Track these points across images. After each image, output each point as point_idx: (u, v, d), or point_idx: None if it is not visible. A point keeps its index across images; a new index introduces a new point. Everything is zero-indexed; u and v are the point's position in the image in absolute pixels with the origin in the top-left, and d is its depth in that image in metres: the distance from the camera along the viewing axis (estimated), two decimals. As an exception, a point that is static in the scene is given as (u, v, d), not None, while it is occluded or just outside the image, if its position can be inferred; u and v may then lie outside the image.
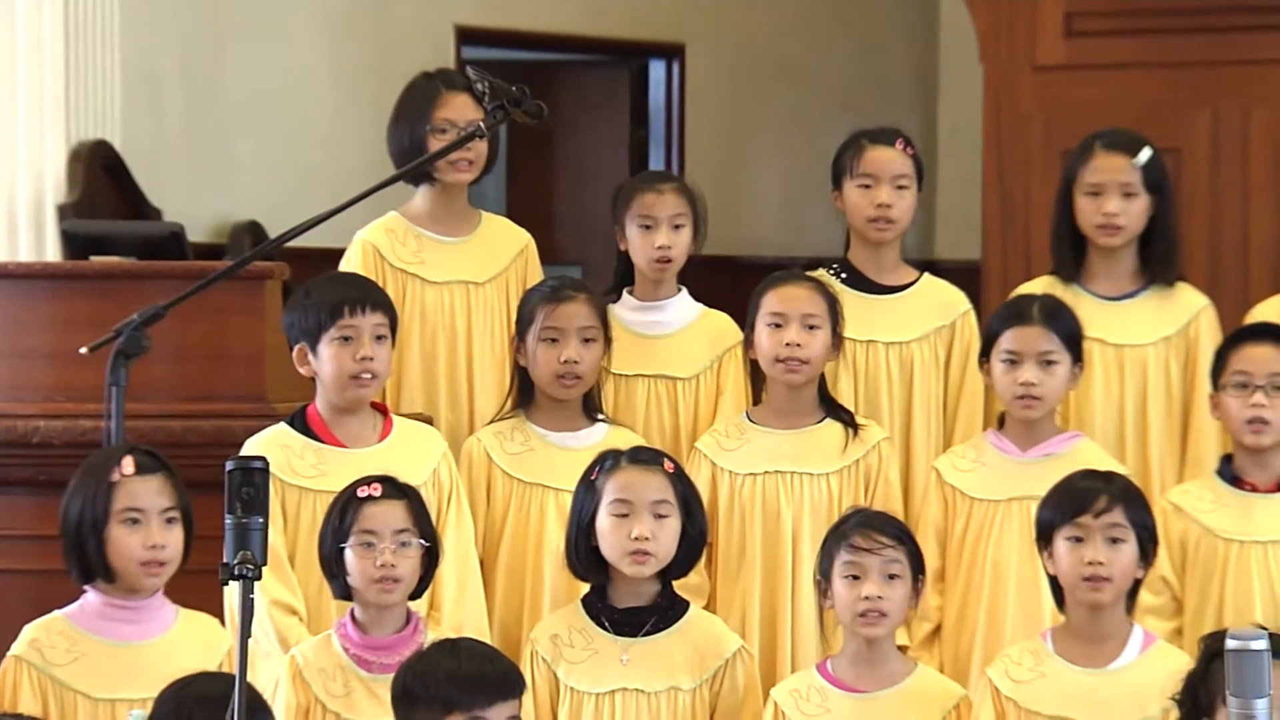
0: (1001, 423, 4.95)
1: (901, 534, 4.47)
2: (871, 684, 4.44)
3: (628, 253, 5.18)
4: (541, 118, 4.89)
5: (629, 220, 5.14)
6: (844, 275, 5.16)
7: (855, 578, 4.41)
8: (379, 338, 4.73)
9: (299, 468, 4.68)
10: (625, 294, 5.21)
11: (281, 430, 4.77)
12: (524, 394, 5.03)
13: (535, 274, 5.28)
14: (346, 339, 4.70)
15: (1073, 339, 4.87)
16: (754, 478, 4.92)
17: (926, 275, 5.24)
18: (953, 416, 5.12)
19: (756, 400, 5.05)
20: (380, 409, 4.84)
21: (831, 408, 4.99)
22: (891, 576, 4.40)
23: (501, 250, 5.27)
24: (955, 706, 4.44)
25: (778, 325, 4.91)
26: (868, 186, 5.12)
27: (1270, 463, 4.80)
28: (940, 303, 5.18)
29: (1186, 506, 4.82)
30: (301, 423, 4.77)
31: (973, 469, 4.89)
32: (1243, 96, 6.07)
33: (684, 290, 5.23)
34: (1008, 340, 4.85)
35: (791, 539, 4.88)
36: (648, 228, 5.12)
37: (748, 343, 5.01)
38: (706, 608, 4.79)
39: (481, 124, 4.94)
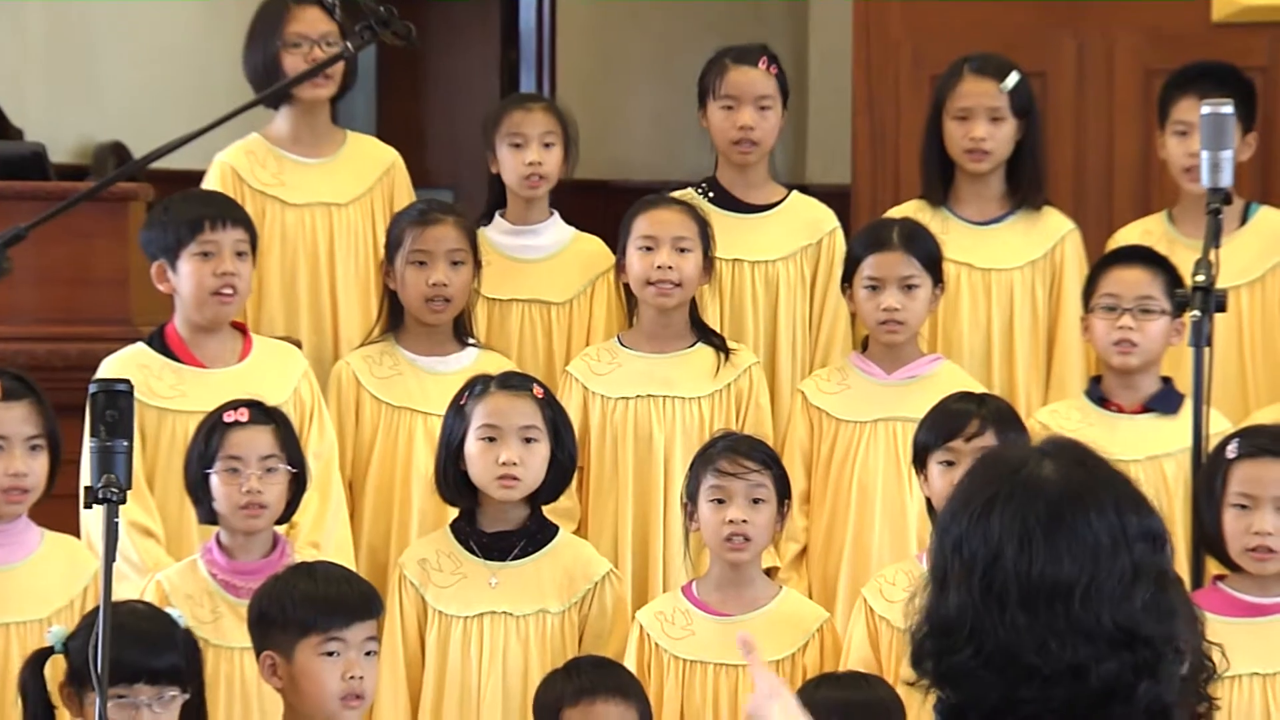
0: (865, 346, 4.99)
1: (768, 458, 4.50)
2: (736, 607, 4.47)
3: (500, 176, 5.16)
4: (410, 39, 4.84)
5: (499, 140, 5.12)
6: (711, 194, 5.17)
7: (720, 501, 4.43)
8: (239, 254, 4.70)
9: (158, 388, 4.64)
10: (497, 217, 5.19)
11: (139, 350, 4.73)
12: (394, 317, 5.01)
13: (404, 192, 5.25)
14: (207, 254, 4.67)
15: (932, 261, 4.91)
16: (626, 401, 4.93)
17: (795, 193, 5.25)
18: (817, 332, 5.15)
19: (630, 325, 5.06)
20: (240, 328, 4.81)
21: (703, 332, 5.00)
22: (756, 501, 4.43)
23: (365, 170, 5.23)
24: (819, 629, 4.49)
25: (649, 248, 4.92)
26: (731, 108, 5.12)
27: (1137, 385, 4.87)
28: (807, 221, 5.20)
29: (1054, 426, 4.87)
30: (160, 342, 4.73)
31: (838, 391, 4.93)
32: (1108, 22, 6.10)
33: (556, 214, 5.22)
34: (869, 266, 4.88)
35: (663, 462, 4.90)
36: (518, 145, 5.11)
37: (619, 267, 5.01)
38: (578, 532, 4.80)
39: (348, 45, 4.90)
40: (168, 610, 3.97)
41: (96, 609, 3.74)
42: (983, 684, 2.35)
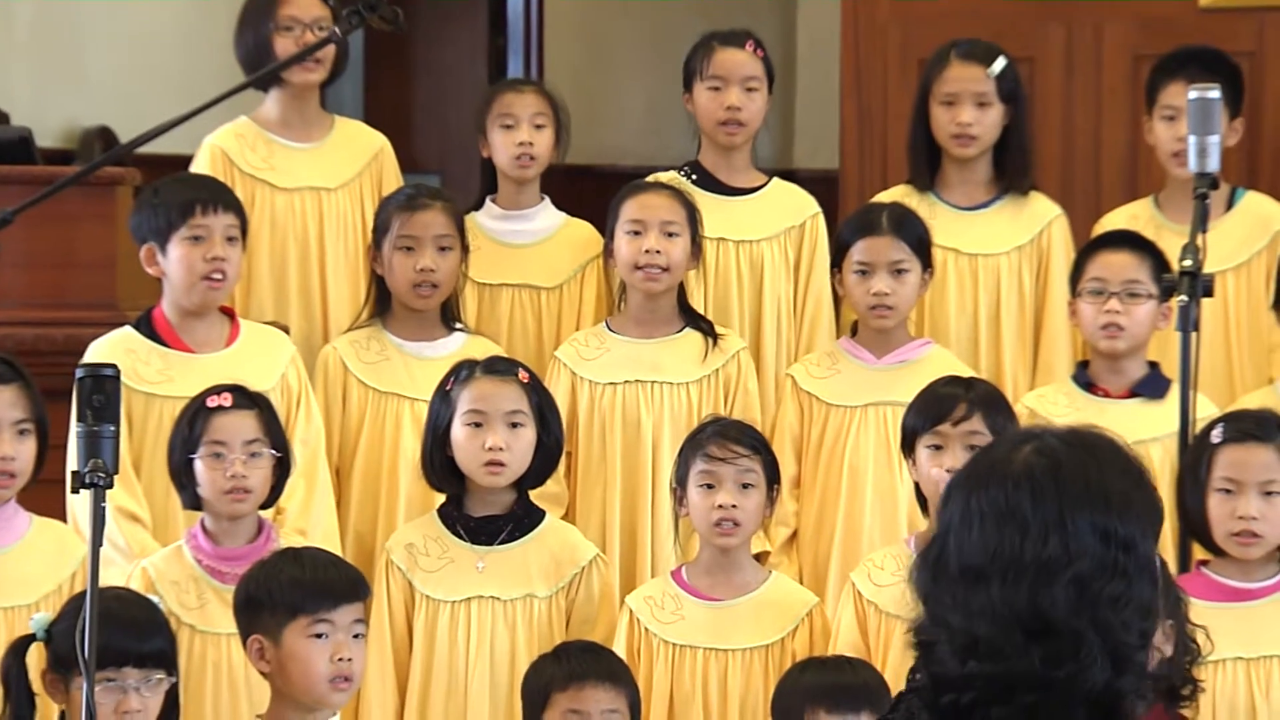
0: (855, 331, 5.00)
1: (757, 443, 4.50)
2: (726, 592, 4.47)
3: (492, 161, 5.16)
4: (397, 24, 4.85)
5: (490, 122, 5.13)
6: (695, 177, 5.18)
7: (710, 486, 4.43)
8: (230, 239, 4.70)
9: (145, 373, 4.64)
10: (488, 202, 5.19)
11: (127, 334, 4.72)
12: (381, 303, 5.01)
13: (392, 176, 5.26)
14: (197, 239, 4.67)
15: (921, 245, 4.92)
16: (614, 387, 4.93)
17: (776, 179, 5.27)
18: (801, 316, 5.16)
19: (618, 310, 5.06)
20: (228, 313, 4.81)
21: (691, 317, 5.01)
22: (746, 486, 4.43)
23: (354, 155, 5.23)
24: (808, 614, 4.49)
25: (637, 233, 4.92)
26: (717, 89, 5.13)
27: (1124, 369, 4.88)
28: (790, 205, 5.21)
29: (1041, 410, 4.88)
30: (147, 327, 4.73)
31: (828, 376, 4.94)
32: (1096, 8, 6.10)
33: (547, 199, 5.22)
34: (859, 251, 4.89)
35: (651, 448, 4.90)
36: (509, 127, 5.11)
37: (607, 251, 5.01)
38: (566, 517, 4.81)
39: (336, 29, 4.90)
40: (149, 597, 3.97)
41: (79, 595, 3.75)
42: (941, 657, 2.38)
